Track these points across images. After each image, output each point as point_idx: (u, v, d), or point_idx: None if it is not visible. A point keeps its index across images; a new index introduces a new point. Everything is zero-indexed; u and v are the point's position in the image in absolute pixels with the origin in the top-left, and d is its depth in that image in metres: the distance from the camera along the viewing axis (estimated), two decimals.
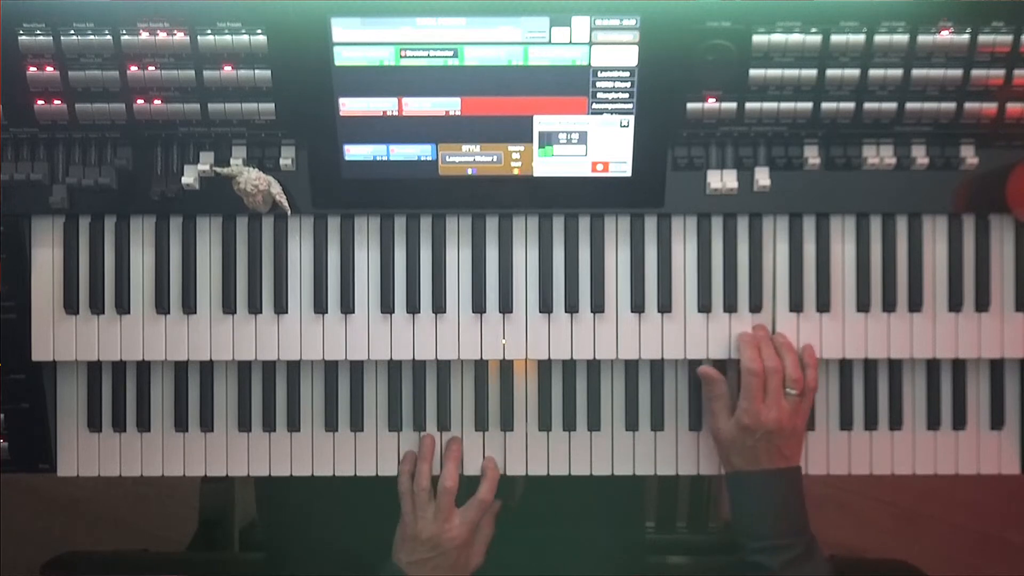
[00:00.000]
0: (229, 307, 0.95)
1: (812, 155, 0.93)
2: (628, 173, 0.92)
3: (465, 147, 0.91)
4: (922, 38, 0.86)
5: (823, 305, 0.96)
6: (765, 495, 0.91)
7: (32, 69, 0.87)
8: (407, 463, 0.97)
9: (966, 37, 0.86)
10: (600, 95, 0.88)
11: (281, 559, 1.12)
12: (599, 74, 0.87)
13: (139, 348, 0.96)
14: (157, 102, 0.89)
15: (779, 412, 0.90)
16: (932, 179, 0.94)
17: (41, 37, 0.86)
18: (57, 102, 0.89)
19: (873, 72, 0.88)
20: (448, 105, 0.89)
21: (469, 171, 0.92)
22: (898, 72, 0.88)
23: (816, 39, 0.86)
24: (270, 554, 1.20)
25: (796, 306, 0.96)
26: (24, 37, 0.86)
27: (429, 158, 0.91)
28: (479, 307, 0.96)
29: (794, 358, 0.93)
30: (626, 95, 0.88)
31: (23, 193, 0.93)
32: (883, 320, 0.96)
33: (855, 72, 0.88)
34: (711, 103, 0.90)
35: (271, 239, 0.96)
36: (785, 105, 0.90)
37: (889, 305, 0.96)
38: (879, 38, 0.86)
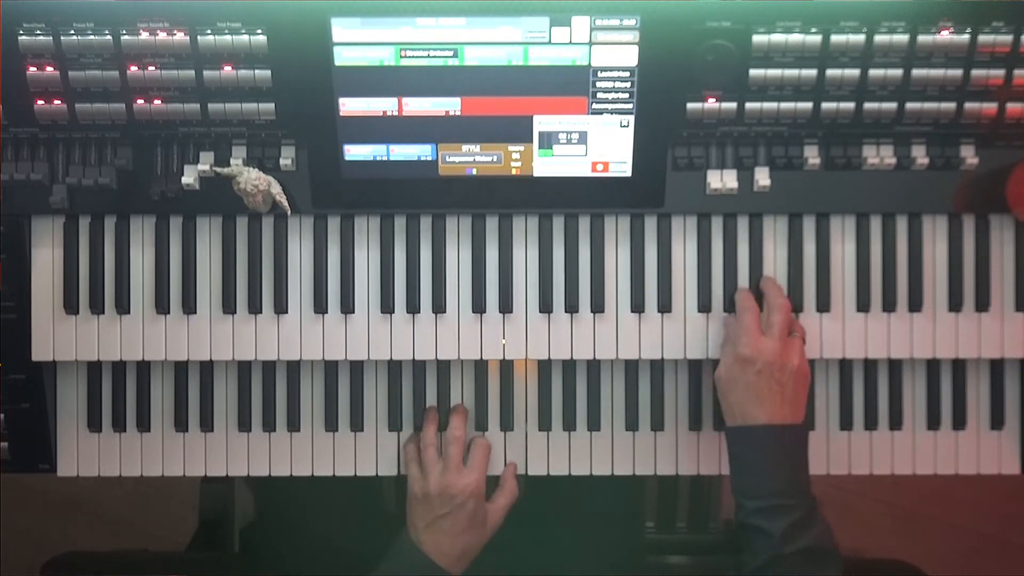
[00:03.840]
0: (229, 307, 0.95)
1: (812, 155, 0.93)
2: (628, 173, 0.92)
3: (465, 147, 0.91)
4: (922, 38, 0.86)
5: (823, 305, 0.96)
6: (766, 450, 0.86)
7: (32, 69, 0.87)
8: (413, 439, 0.97)
9: (966, 37, 0.86)
10: (600, 95, 0.88)
11: (281, 559, 1.12)
12: (599, 74, 0.87)
13: (139, 348, 0.96)
14: (157, 102, 0.89)
15: (782, 345, 0.88)
16: (932, 179, 0.94)
17: (41, 37, 0.86)
18: (57, 102, 0.89)
19: (873, 72, 0.88)
20: (448, 105, 0.89)
21: (469, 171, 0.92)
22: (898, 72, 0.88)
23: (816, 39, 0.86)
24: (270, 554, 1.20)
25: (796, 306, 0.96)
26: (24, 37, 0.86)
27: (429, 158, 0.91)
28: (479, 307, 0.96)
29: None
30: (626, 95, 0.88)
31: (23, 193, 0.93)
32: (883, 320, 0.96)
33: (855, 72, 0.88)
34: (711, 103, 0.90)
35: (271, 239, 0.96)
36: (785, 105, 0.90)
37: (889, 305, 0.96)
38: (879, 38, 0.86)
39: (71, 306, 0.95)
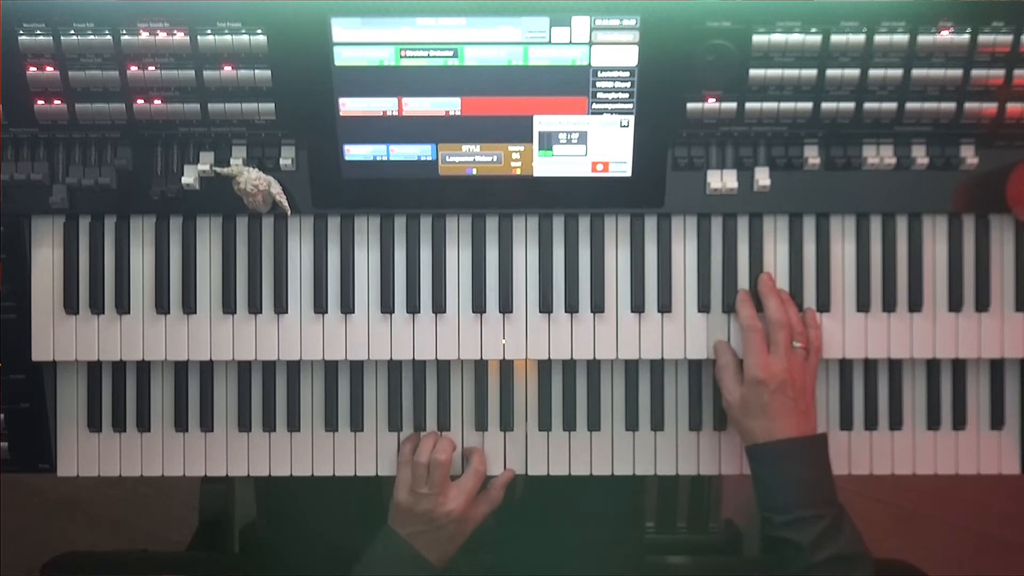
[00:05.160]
0: (229, 307, 0.95)
1: (812, 155, 0.93)
2: (628, 173, 0.92)
3: (465, 147, 0.91)
4: (922, 38, 0.86)
5: (823, 305, 0.96)
6: (791, 464, 0.88)
7: (32, 69, 0.87)
8: (410, 440, 0.97)
9: (966, 37, 0.86)
10: (600, 95, 0.88)
11: (281, 559, 1.12)
12: (599, 74, 0.87)
13: (139, 348, 0.96)
14: (157, 102, 0.89)
15: (789, 363, 0.90)
16: (932, 179, 0.94)
17: (41, 37, 0.86)
18: (57, 102, 0.89)
19: (873, 72, 0.88)
20: (448, 105, 0.89)
21: (469, 171, 0.92)
22: (898, 72, 0.88)
23: (816, 39, 0.86)
24: (270, 554, 1.20)
25: (796, 306, 0.96)
26: (24, 37, 0.86)
27: (429, 158, 0.91)
28: (479, 307, 0.96)
29: (796, 313, 0.93)
30: (626, 95, 0.88)
31: (23, 193, 0.93)
32: (883, 320, 0.96)
33: (855, 72, 0.88)
34: (711, 103, 0.90)
35: (271, 239, 0.96)
36: (785, 105, 0.90)
37: (889, 305, 0.96)
38: (879, 38, 0.86)
39: (71, 306, 0.95)
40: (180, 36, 0.86)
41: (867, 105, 0.90)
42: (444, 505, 0.93)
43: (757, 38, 0.86)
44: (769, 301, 0.93)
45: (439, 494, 0.93)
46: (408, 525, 0.94)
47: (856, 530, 0.88)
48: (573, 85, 0.88)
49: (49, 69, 0.87)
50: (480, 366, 0.99)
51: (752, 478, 0.92)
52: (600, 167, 0.92)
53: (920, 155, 0.93)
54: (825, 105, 0.90)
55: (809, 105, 0.90)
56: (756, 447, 0.90)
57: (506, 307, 0.96)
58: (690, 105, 0.90)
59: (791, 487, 0.88)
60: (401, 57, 0.86)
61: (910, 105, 0.90)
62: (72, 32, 0.86)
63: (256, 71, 0.87)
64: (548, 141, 0.91)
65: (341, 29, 0.85)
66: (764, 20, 0.86)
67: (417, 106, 0.89)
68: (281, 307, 0.96)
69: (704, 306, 0.96)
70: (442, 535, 0.94)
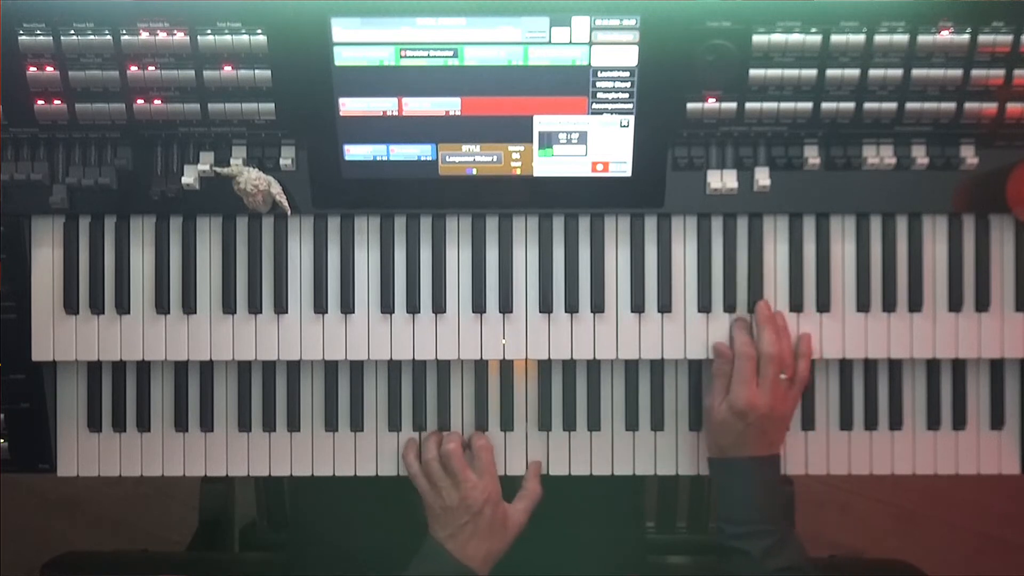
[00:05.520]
0: (229, 307, 0.96)
1: (812, 155, 0.93)
2: (628, 173, 0.92)
3: (465, 147, 0.91)
4: (922, 38, 0.86)
5: (823, 305, 0.96)
6: (748, 482, 0.91)
7: (32, 69, 0.87)
8: (410, 448, 0.97)
9: (966, 37, 0.86)
10: (600, 95, 0.88)
11: (281, 559, 1.12)
12: (599, 74, 0.87)
13: (139, 348, 0.96)
14: (157, 102, 0.89)
15: (772, 398, 0.91)
16: (932, 179, 0.94)
17: (41, 37, 0.86)
18: (57, 102, 0.89)
19: (873, 72, 0.88)
20: (448, 105, 0.89)
21: (469, 171, 0.92)
22: (898, 72, 0.88)
23: (816, 39, 0.86)
24: (276, 555, 1.20)
25: (796, 306, 0.96)
26: (24, 37, 0.86)
27: (429, 158, 0.91)
28: (479, 307, 0.96)
29: (789, 344, 0.94)
30: (626, 95, 0.88)
31: (23, 193, 0.93)
32: (883, 320, 0.96)
33: (855, 72, 0.88)
34: (711, 103, 0.90)
35: (271, 239, 0.96)
36: (785, 105, 0.90)
37: (889, 305, 0.96)
38: (879, 38, 0.86)
39: (71, 306, 0.95)
40: (180, 36, 0.86)
41: (867, 105, 0.90)
42: (473, 488, 0.92)
43: (757, 38, 0.86)
44: (764, 332, 0.93)
45: (463, 480, 0.93)
46: (449, 524, 0.93)
47: (800, 544, 0.91)
48: (573, 85, 0.88)
49: (49, 69, 0.87)
50: (480, 366, 0.99)
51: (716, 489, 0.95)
52: (600, 167, 0.92)
53: (920, 155, 0.93)
54: (825, 105, 0.90)
55: (809, 105, 0.90)
56: (718, 461, 0.94)
57: (506, 307, 0.96)
58: (690, 105, 0.90)
59: (746, 503, 0.91)
60: (401, 57, 0.86)
61: (910, 105, 0.90)
62: (72, 32, 0.86)
63: (256, 71, 0.87)
64: (548, 141, 0.91)
65: (341, 29, 0.85)
66: (764, 20, 0.86)
67: (417, 106, 0.89)
68: (281, 307, 0.96)
69: (704, 306, 0.96)
70: (482, 522, 0.92)
